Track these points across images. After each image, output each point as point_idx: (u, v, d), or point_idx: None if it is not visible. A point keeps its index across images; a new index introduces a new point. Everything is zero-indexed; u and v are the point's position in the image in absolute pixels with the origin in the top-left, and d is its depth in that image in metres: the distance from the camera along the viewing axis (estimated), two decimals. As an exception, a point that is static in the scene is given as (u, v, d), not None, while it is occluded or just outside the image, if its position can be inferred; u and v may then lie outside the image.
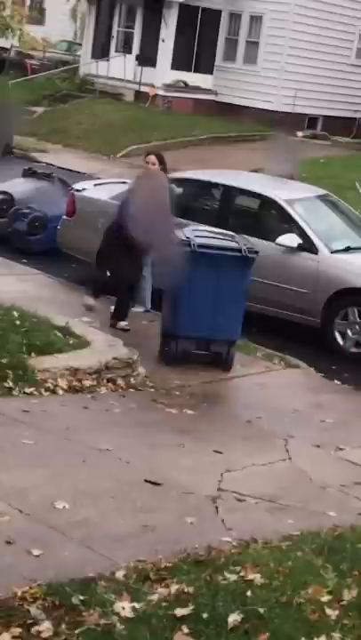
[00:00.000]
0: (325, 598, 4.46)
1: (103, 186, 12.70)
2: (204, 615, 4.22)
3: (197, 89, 28.64)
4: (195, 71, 28.78)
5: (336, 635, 4.17)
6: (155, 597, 4.37)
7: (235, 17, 28.78)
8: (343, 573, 4.78)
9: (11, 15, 29.12)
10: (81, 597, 4.29)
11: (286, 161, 12.12)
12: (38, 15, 38.04)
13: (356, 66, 29.66)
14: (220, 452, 6.78)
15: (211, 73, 29.04)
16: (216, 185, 11.56)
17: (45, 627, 4.07)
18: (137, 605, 4.28)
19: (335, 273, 10.23)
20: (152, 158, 10.30)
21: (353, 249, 10.73)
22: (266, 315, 10.49)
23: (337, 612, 4.36)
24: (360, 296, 10.15)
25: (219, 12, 28.76)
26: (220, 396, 8.19)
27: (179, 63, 28.39)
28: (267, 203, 11.21)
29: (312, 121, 28.84)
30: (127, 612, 4.22)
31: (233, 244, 8.87)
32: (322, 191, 12.08)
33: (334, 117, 28.62)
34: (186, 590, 4.44)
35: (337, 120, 28.53)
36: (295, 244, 10.38)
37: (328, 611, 4.35)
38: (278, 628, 4.16)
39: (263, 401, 8.31)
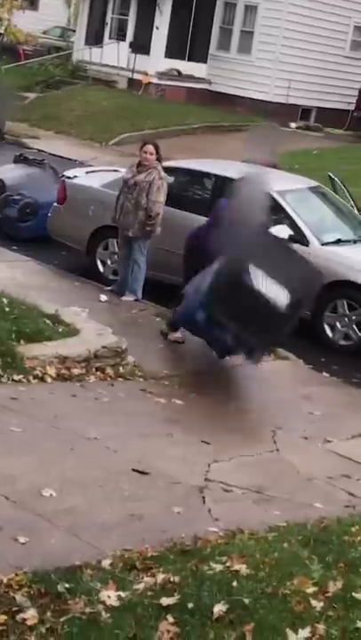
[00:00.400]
0: (311, 590, 4.48)
1: (95, 173, 12.67)
2: (190, 605, 4.23)
3: (191, 78, 28.55)
4: (189, 60, 28.68)
5: (321, 626, 4.18)
6: (140, 586, 4.38)
7: (230, 6, 28.69)
8: (329, 565, 4.80)
9: (1, 4, 28.96)
10: (67, 585, 4.29)
11: (265, 150, 12.09)
12: (31, 1, 37.79)
13: (350, 58, 29.61)
14: (208, 443, 6.80)
15: (205, 62, 28.95)
16: (208, 174, 11.54)
17: (31, 614, 4.08)
18: (123, 594, 4.29)
19: (326, 265, 10.21)
20: (150, 148, 10.30)
21: (343, 241, 10.74)
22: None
23: (322, 604, 4.37)
24: (349, 289, 10.16)
25: (214, 1, 28.65)
26: (209, 387, 8.19)
27: (173, 51, 28.29)
28: (258, 193, 11.18)
29: (305, 112, 28.79)
30: (113, 601, 4.22)
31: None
32: (314, 183, 12.07)
33: (328, 109, 28.58)
34: (172, 580, 4.45)
35: (330, 112, 28.49)
36: (286, 236, 10.36)
37: (313, 602, 4.37)
38: (263, 619, 4.18)
39: (252, 392, 8.32)
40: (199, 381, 8.29)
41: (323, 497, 6.23)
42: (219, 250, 8.31)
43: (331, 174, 13.58)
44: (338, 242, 10.68)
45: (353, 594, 4.47)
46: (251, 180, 8.90)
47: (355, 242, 10.90)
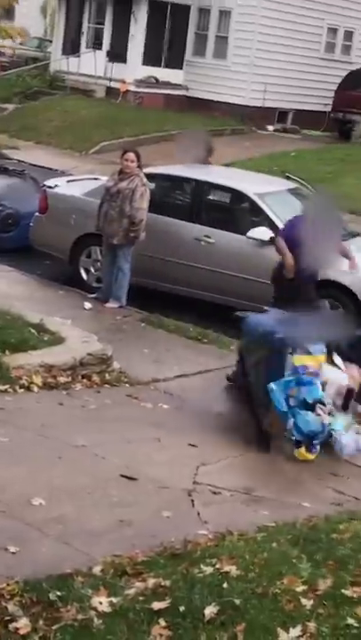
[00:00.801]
0: (301, 588, 4.51)
1: (76, 182, 12.70)
2: (181, 608, 4.25)
3: (168, 84, 28.61)
4: (165, 66, 28.74)
5: (311, 624, 4.21)
6: (132, 592, 4.40)
7: (204, 12, 28.78)
8: (318, 563, 4.83)
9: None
10: (58, 593, 4.31)
11: (194, 153, 12.26)
12: (8, 11, 37.75)
13: (325, 59, 29.75)
14: (195, 446, 6.82)
15: (181, 68, 29.03)
16: (188, 180, 11.59)
17: (23, 623, 4.09)
18: (114, 600, 4.30)
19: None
20: (131, 156, 10.37)
21: (324, 242, 10.79)
22: (238, 308, 10.49)
23: (312, 602, 4.40)
24: (331, 289, 10.19)
25: (188, 7, 28.74)
26: (196, 390, 8.21)
27: (149, 59, 28.35)
28: (238, 196, 11.25)
29: (283, 115, 28.88)
30: (104, 607, 4.24)
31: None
32: (293, 184, 12.13)
33: (305, 111, 28.68)
34: (163, 584, 4.47)
35: (307, 114, 28.59)
36: (267, 238, 10.41)
37: (303, 601, 4.40)
38: (254, 619, 4.20)
39: (238, 394, 8.33)
40: (185, 385, 8.31)
41: (311, 496, 6.27)
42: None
43: (289, 174, 13.68)
44: (318, 242, 10.71)
45: (342, 591, 4.50)
46: (320, 200, 8.72)
47: (335, 242, 10.94)
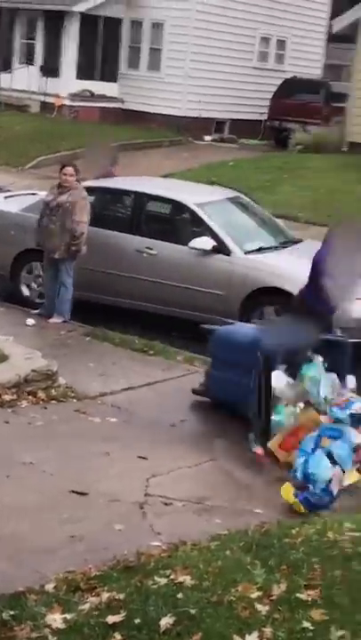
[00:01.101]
0: (255, 594, 4.51)
1: (13, 198, 12.61)
2: (137, 620, 4.23)
3: (103, 97, 28.60)
4: (100, 80, 28.73)
5: (268, 630, 4.21)
6: (86, 607, 4.36)
7: (136, 24, 28.85)
8: (272, 569, 4.83)
9: None
10: (11, 612, 4.26)
11: (99, 165, 12.42)
12: None
13: (258, 69, 30.00)
14: (145, 458, 6.80)
15: (115, 81, 29.06)
16: (127, 192, 11.59)
17: (-24, 645, 4.04)
18: (68, 616, 4.27)
19: (249, 273, 10.33)
20: (69, 170, 10.36)
21: (265, 249, 10.86)
22: (183, 318, 10.52)
23: (267, 608, 4.40)
24: (275, 295, 10.25)
25: (120, 21, 28.79)
26: (144, 403, 8.19)
27: (83, 72, 28.33)
28: (178, 207, 11.27)
29: (219, 125, 29.04)
30: (59, 624, 4.20)
31: None
32: (232, 193, 12.19)
33: (241, 120, 28.87)
34: (117, 597, 4.44)
35: (244, 123, 28.78)
36: (209, 247, 10.45)
37: (259, 606, 4.39)
38: (210, 628, 4.19)
39: (186, 404, 8.33)
40: (133, 398, 8.28)
41: (262, 502, 6.28)
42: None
43: (213, 179, 13.81)
44: (260, 249, 10.79)
45: (297, 595, 4.51)
46: (347, 231, 8.36)
47: (276, 248, 11.03)
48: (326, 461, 6.48)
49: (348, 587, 4.60)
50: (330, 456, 6.53)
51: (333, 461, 6.50)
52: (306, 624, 4.26)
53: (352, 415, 7.15)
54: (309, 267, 8.40)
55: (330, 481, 6.35)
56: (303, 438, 6.80)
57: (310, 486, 6.32)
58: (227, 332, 8.17)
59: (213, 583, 4.62)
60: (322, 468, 6.42)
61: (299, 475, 6.45)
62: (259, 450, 7.04)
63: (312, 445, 6.62)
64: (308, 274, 8.42)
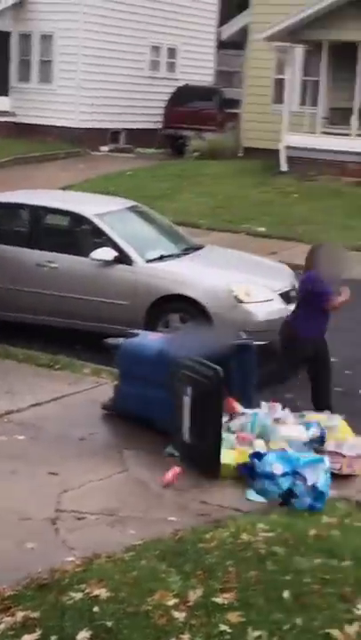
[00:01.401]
0: (172, 602, 4.51)
1: None
2: (53, 638, 4.20)
3: (-5, 112, 28.41)
4: (-9, 94, 28.54)
5: (185, 636, 4.22)
6: (1, 627, 4.29)
7: (24, 37, 28.70)
8: (187, 575, 4.85)
9: None
10: None
11: None
12: None
13: (150, 77, 30.17)
14: (56, 474, 6.73)
15: (7, 95, 28.83)
16: (23, 206, 11.48)
17: None
18: (-17, 639, 4.19)
19: (152, 282, 10.35)
20: None
21: (166, 256, 10.89)
22: (88, 330, 10.47)
23: (184, 614, 4.41)
24: (179, 302, 10.29)
25: (8, 34, 28.60)
26: (52, 418, 8.11)
27: (-27, 87, 28.09)
28: (77, 219, 11.22)
29: (115, 135, 29.10)
30: (-27, 648, 4.13)
31: None
32: (131, 202, 12.20)
33: (136, 130, 28.98)
34: (32, 616, 4.39)
35: (139, 132, 28.91)
36: (111, 257, 10.42)
37: (175, 614, 4.40)
38: (127, 639, 4.17)
39: (95, 417, 8.28)
40: (40, 414, 8.20)
41: (176, 509, 6.28)
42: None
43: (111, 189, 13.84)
44: (161, 257, 10.82)
45: (213, 599, 4.53)
46: (327, 249, 8.43)
47: (178, 256, 11.07)
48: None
49: (263, 587, 4.65)
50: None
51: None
52: (223, 627, 4.29)
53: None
54: (299, 294, 8.67)
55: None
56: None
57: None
58: (132, 346, 8.15)
59: (129, 594, 4.60)
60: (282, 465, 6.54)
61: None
62: (177, 469, 6.95)
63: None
64: (297, 302, 8.66)
